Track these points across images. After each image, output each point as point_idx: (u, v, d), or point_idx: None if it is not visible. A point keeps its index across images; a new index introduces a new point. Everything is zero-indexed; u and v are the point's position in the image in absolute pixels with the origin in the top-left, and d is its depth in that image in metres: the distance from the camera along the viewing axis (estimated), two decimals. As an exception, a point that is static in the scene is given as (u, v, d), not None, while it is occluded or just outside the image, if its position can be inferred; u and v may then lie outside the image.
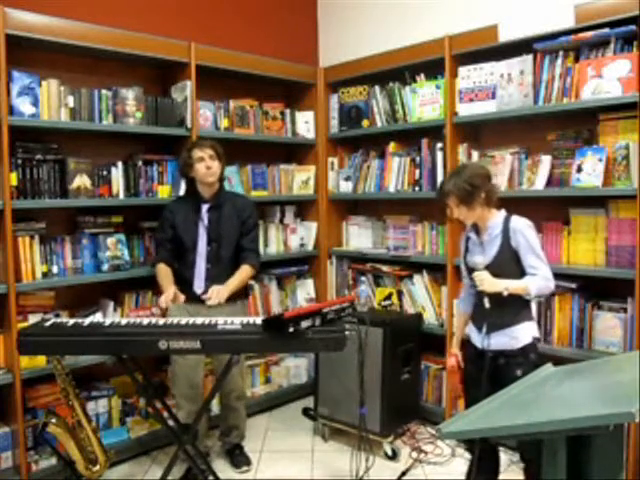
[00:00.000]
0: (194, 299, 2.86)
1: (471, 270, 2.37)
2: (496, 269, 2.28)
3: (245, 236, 2.97)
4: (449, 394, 3.37)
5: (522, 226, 2.31)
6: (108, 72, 3.23)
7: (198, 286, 2.88)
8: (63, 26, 2.84)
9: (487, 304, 2.28)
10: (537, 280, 2.26)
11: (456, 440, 3.11)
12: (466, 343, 2.53)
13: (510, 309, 2.30)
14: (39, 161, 2.82)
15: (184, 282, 2.88)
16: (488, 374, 2.29)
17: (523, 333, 2.31)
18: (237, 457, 3.07)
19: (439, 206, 3.31)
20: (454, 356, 2.61)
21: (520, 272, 2.30)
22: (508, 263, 2.30)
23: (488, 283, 2.26)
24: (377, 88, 3.72)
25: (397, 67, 3.56)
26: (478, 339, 2.39)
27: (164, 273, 2.90)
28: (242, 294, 3.01)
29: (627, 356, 2.28)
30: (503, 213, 2.37)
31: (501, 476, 2.48)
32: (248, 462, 3.06)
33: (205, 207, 2.92)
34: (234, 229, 2.93)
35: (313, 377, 3.55)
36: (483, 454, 2.40)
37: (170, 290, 2.78)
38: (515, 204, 2.60)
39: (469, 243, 2.47)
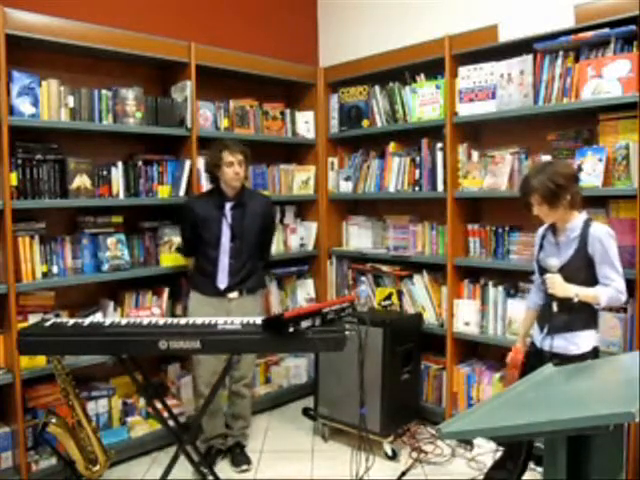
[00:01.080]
0: (217, 293, 2.96)
1: (543, 270, 2.34)
2: (568, 273, 2.25)
3: (266, 235, 3.16)
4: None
5: (602, 234, 2.25)
6: (108, 72, 3.23)
7: (221, 281, 2.97)
8: (63, 26, 2.84)
9: (555, 308, 2.26)
10: (609, 291, 2.22)
11: (457, 440, 3.11)
12: (530, 342, 2.52)
13: (575, 314, 2.26)
14: (39, 161, 2.82)
15: (207, 276, 2.98)
16: None
17: (584, 340, 2.27)
18: (237, 456, 3.07)
19: (439, 206, 3.36)
20: (518, 351, 2.56)
21: (592, 279, 2.26)
22: (581, 268, 2.26)
23: (560, 287, 2.24)
24: (377, 88, 3.72)
25: (397, 67, 3.56)
26: (539, 338, 2.38)
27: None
28: (261, 286, 3.22)
29: (627, 356, 2.27)
30: (584, 216, 2.31)
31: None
32: (248, 461, 3.06)
33: (229, 205, 2.99)
34: (256, 227, 3.05)
35: (313, 377, 3.54)
36: (514, 448, 2.39)
37: None
38: (515, 204, 2.59)
39: (544, 241, 2.43)
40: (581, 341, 2.27)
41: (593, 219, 2.32)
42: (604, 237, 2.25)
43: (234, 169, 2.91)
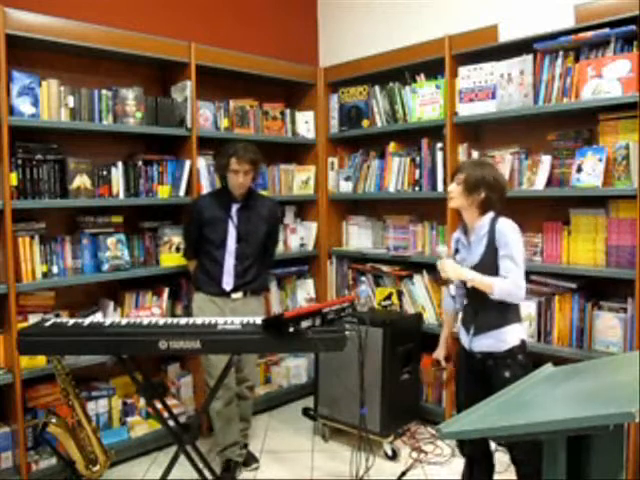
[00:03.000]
0: (221, 294, 2.96)
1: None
2: (482, 269, 2.28)
3: (270, 238, 3.14)
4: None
5: (505, 227, 2.28)
6: (108, 72, 3.23)
7: (227, 282, 2.96)
8: (63, 26, 2.84)
9: (452, 289, 2.38)
10: (505, 283, 2.22)
11: (457, 440, 3.11)
12: (458, 343, 2.53)
13: (497, 312, 2.28)
14: (39, 161, 2.82)
15: (211, 277, 2.97)
16: (477, 375, 2.32)
17: (510, 336, 2.29)
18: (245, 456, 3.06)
19: (439, 206, 3.36)
20: (429, 359, 2.67)
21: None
22: (494, 264, 2.28)
23: (452, 271, 2.30)
24: (377, 88, 3.72)
25: (397, 67, 3.56)
26: (466, 340, 2.40)
27: (193, 270, 3.11)
28: (264, 288, 3.24)
29: (627, 356, 2.27)
30: (491, 214, 2.34)
31: (501, 476, 2.48)
32: (256, 459, 3.08)
33: (235, 206, 2.97)
34: (262, 230, 3.04)
35: (313, 377, 3.54)
36: (478, 456, 2.41)
37: None
38: (515, 204, 2.60)
39: (458, 244, 2.48)
40: (508, 337, 2.28)
41: (500, 217, 2.34)
42: (507, 230, 2.26)
43: (238, 178, 2.88)
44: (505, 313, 2.30)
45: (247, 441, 3.19)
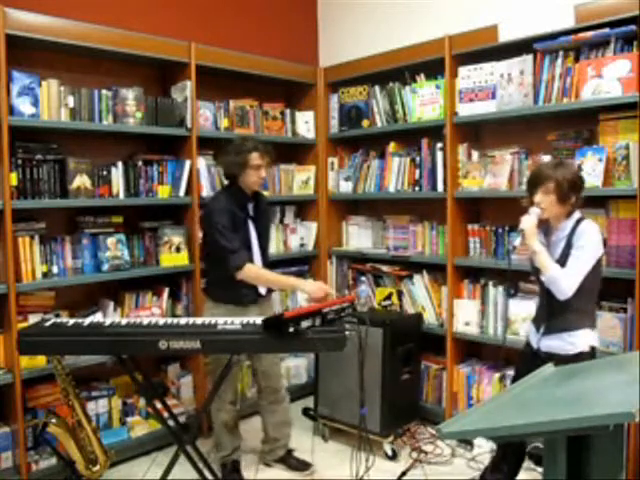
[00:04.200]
0: (253, 300, 2.81)
1: (538, 271, 2.31)
2: None
3: (269, 234, 3.08)
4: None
5: (587, 230, 2.22)
6: (108, 72, 3.23)
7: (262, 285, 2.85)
8: (63, 26, 2.84)
9: (517, 241, 2.30)
10: (560, 272, 2.18)
11: (457, 440, 3.11)
12: (525, 343, 2.50)
13: (571, 314, 2.24)
14: (39, 161, 2.82)
15: (246, 284, 2.73)
16: None
17: (580, 340, 2.25)
18: (298, 462, 3.03)
19: (439, 206, 3.36)
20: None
21: (584, 278, 2.20)
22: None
23: (528, 226, 2.23)
24: (377, 88, 3.72)
25: (397, 67, 3.56)
26: (534, 339, 2.37)
27: (267, 271, 2.81)
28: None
29: (627, 356, 2.27)
30: (577, 216, 2.29)
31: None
32: (310, 464, 3.03)
33: (251, 205, 2.86)
34: (269, 226, 3.03)
35: (313, 377, 3.54)
36: (509, 450, 2.39)
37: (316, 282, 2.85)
38: (515, 204, 2.59)
39: None
40: (578, 340, 2.25)
41: (586, 218, 2.30)
42: (587, 232, 2.22)
43: (260, 173, 2.75)
44: (579, 317, 2.25)
45: (292, 446, 3.13)
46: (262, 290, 2.85)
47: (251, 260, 2.77)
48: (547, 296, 2.29)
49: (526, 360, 2.40)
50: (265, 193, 3.60)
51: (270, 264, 3.40)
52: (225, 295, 2.80)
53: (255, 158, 2.73)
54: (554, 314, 2.28)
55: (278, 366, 3.07)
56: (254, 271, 2.72)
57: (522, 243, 2.33)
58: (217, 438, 2.96)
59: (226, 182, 2.91)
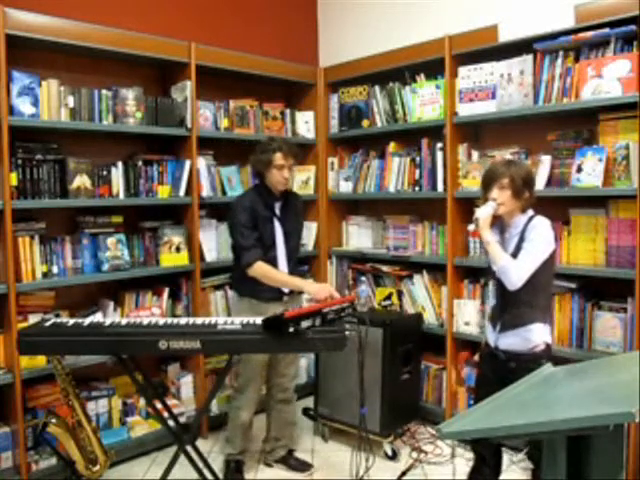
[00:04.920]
0: (275, 298, 2.81)
1: (495, 271, 2.34)
2: None
3: (301, 235, 3.08)
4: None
5: (538, 224, 2.26)
6: (108, 72, 3.23)
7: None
8: (63, 26, 2.84)
9: (471, 227, 2.35)
10: (511, 263, 2.21)
11: (457, 440, 3.11)
12: (484, 343, 2.52)
13: (524, 309, 2.27)
14: (39, 161, 2.82)
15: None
16: (499, 378, 2.26)
17: (534, 334, 2.27)
18: (299, 462, 3.04)
19: (439, 206, 3.36)
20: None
21: (536, 271, 2.22)
22: None
23: (482, 216, 2.29)
24: (377, 88, 3.72)
25: (397, 67, 3.56)
26: (492, 337, 2.39)
27: (275, 270, 2.79)
28: None
29: (627, 356, 2.27)
30: (530, 212, 2.33)
31: (501, 476, 2.48)
32: (311, 464, 3.04)
33: (278, 205, 2.87)
34: (299, 227, 3.02)
35: (313, 377, 3.54)
36: (486, 453, 2.41)
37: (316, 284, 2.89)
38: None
39: None
40: (532, 335, 2.27)
41: (538, 215, 2.32)
42: (538, 227, 2.26)
43: (283, 173, 2.77)
44: (532, 311, 2.28)
45: (294, 446, 3.15)
46: (284, 288, 2.84)
47: (273, 259, 2.81)
48: (502, 293, 2.32)
49: (487, 360, 2.43)
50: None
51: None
52: (246, 289, 2.85)
53: (279, 158, 2.76)
54: (508, 310, 2.31)
55: (295, 366, 3.09)
56: (263, 269, 2.74)
57: (475, 230, 2.38)
58: (229, 434, 2.98)
59: (256, 181, 2.97)
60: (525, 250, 2.24)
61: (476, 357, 2.61)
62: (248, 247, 2.74)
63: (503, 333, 2.32)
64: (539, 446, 2.19)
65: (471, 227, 2.38)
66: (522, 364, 2.21)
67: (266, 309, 2.70)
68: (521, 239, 2.28)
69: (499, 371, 2.30)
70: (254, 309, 2.77)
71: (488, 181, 2.35)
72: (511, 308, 2.29)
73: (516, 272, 2.20)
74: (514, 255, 2.26)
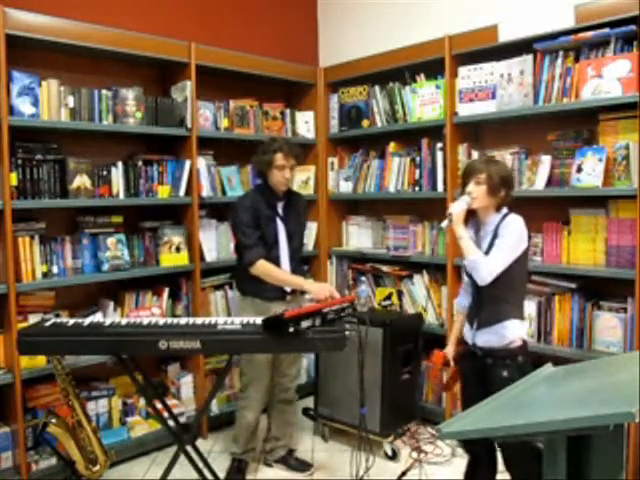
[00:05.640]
0: (278, 297, 2.82)
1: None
2: None
3: (304, 234, 3.08)
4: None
5: (510, 222, 2.29)
6: (108, 72, 3.23)
7: None
8: (63, 26, 2.84)
9: (445, 223, 2.37)
10: (481, 258, 2.24)
11: (457, 440, 3.11)
12: (462, 341, 2.53)
13: (499, 305, 2.30)
14: (39, 161, 2.82)
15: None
16: (478, 375, 2.33)
17: (509, 331, 2.29)
18: (299, 462, 3.05)
19: (439, 206, 3.35)
20: (439, 356, 2.62)
21: (507, 271, 2.25)
22: None
23: (456, 211, 2.31)
24: (377, 88, 3.72)
25: (397, 67, 3.56)
26: (470, 335, 2.41)
27: (277, 269, 2.80)
28: None
29: (627, 356, 2.27)
30: (504, 211, 2.35)
31: (499, 476, 2.48)
32: (311, 464, 3.05)
33: (280, 204, 2.89)
34: (302, 227, 3.02)
35: (313, 377, 3.54)
36: (480, 453, 2.42)
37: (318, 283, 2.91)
38: (515, 204, 2.59)
39: None
40: (507, 332, 2.28)
41: (512, 213, 2.33)
42: (510, 225, 2.27)
43: (284, 173, 2.79)
44: (507, 308, 2.30)
45: (294, 446, 3.15)
46: (287, 288, 2.85)
47: (276, 258, 2.83)
48: (477, 290, 2.34)
49: (465, 357, 2.45)
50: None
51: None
52: (249, 288, 2.86)
53: (279, 158, 2.78)
54: (484, 308, 2.32)
55: (297, 367, 3.09)
56: (265, 268, 2.76)
57: (447, 227, 2.41)
58: (235, 432, 2.99)
59: (258, 181, 2.98)
60: (496, 246, 2.26)
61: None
62: (250, 246, 2.76)
63: (480, 330, 2.34)
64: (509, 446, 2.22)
65: (444, 223, 2.39)
66: (498, 360, 2.26)
67: (269, 308, 2.71)
68: (494, 236, 2.30)
69: (477, 368, 2.34)
70: (257, 308, 2.78)
71: (466, 176, 2.38)
72: (487, 305, 2.32)
73: (486, 267, 2.23)
74: (488, 251, 2.28)
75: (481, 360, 2.32)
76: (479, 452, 2.42)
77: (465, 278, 2.52)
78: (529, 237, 2.34)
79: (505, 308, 2.30)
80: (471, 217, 2.43)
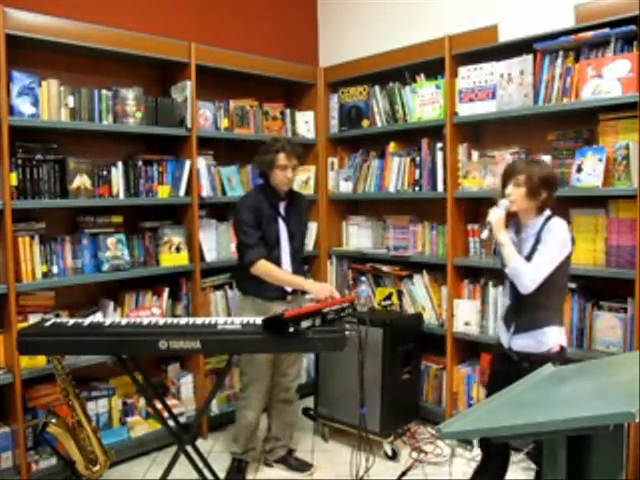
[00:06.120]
0: (279, 297, 2.83)
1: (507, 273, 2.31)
2: None
3: (305, 235, 3.08)
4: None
5: (554, 227, 2.22)
6: (108, 72, 3.23)
7: None
8: (63, 26, 2.84)
9: (485, 233, 2.31)
10: (523, 266, 2.19)
11: (457, 440, 3.11)
12: (497, 344, 2.50)
13: (539, 311, 2.25)
14: (39, 161, 2.82)
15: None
16: (510, 377, 2.20)
17: (549, 337, 2.25)
18: (299, 463, 3.05)
19: (439, 206, 3.36)
20: (488, 357, 2.55)
21: (551, 274, 2.19)
22: None
23: (495, 220, 2.24)
24: (377, 88, 3.72)
25: (397, 67, 3.56)
26: (505, 338, 2.37)
27: (278, 269, 2.80)
28: None
29: (627, 356, 2.27)
30: (547, 213, 2.28)
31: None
32: (311, 464, 3.04)
33: (282, 204, 2.89)
34: (303, 227, 3.02)
35: (313, 377, 3.54)
36: (496, 452, 2.40)
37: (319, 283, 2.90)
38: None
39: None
40: (546, 338, 2.25)
41: (555, 216, 2.28)
42: (554, 229, 2.22)
43: (286, 173, 2.79)
44: (548, 314, 2.26)
45: (294, 446, 3.15)
46: (288, 287, 2.84)
47: (277, 258, 2.83)
48: (516, 294, 2.30)
49: (499, 360, 2.42)
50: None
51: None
52: (250, 288, 2.86)
53: (281, 158, 2.78)
54: (523, 312, 2.28)
55: (297, 367, 3.09)
56: (266, 268, 2.76)
57: (489, 237, 2.36)
58: (235, 432, 2.99)
59: (260, 181, 2.98)
60: (540, 253, 2.20)
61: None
62: (251, 245, 2.77)
63: (517, 335, 2.30)
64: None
65: (485, 234, 2.33)
66: (536, 365, 2.13)
67: (270, 308, 2.72)
68: (537, 241, 2.24)
69: (510, 372, 2.24)
70: (257, 308, 2.79)
71: (506, 177, 2.31)
72: (526, 310, 2.27)
73: (529, 275, 2.17)
74: (529, 256, 2.23)
75: (516, 364, 2.26)
76: (494, 450, 2.39)
77: (506, 282, 2.45)
78: (572, 241, 2.27)
79: (545, 314, 2.26)
80: (512, 218, 2.35)
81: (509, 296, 2.39)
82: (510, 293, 2.37)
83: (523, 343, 2.29)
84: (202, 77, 3.36)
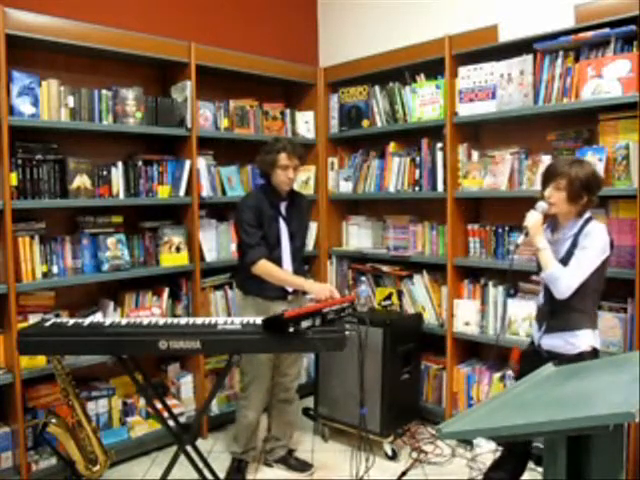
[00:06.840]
0: (279, 297, 2.83)
1: (540, 268, 2.28)
2: None
3: (305, 235, 3.07)
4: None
5: (592, 231, 2.18)
6: (108, 72, 3.23)
7: None
8: (63, 26, 2.84)
9: (521, 238, 2.28)
10: (560, 271, 2.15)
11: (457, 440, 3.11)
12: (529, 342, 2.49)
13: (572, 313, 2.23)
14: (39, 161, 2.82)
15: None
16: None
17: (580, 340, 2.22)
18: (299, 463, 3.05)
19: (439, 206, 3.36)
20: (518, 350, 2.51)
21: (587, 280, 2.16)
22: None
23: (533, 223, 2.20)
24: (377, 88, 3.72)
25: (397, 67, 3.56)
26: (537, 336, 2.36)
27: (278, 269, 2.80)
28: None
29: (627, 356, 2.27)
30: (586, 216, 2.24)
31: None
32: (311, 464, 3.04)
33: (283, 204, 2.89)
34: (304, 227, 3.02)
35: (313, 377, 3.54)
36: (517, 448, 2.38)
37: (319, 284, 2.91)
38: (515, 204, 2.60)
39: None
40: (578, 340, 2.23)
41: (595, 219, 2.26)
42: (592, 234, 2.18)
43: (288, 173, 2.79)
44: (581, 317, 2.23)
45: (294, 446, 3.16)
46: (288, 287, 2.84)
47: (278, 258, 2.83)
48: (550, 296, 2.27)
49: (529, 358, 2.39)
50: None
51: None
52: (251, 288, 2.85)
53: (283, 158, 2.78)
54: (556, 313, 2.26)
55: (298, 367, 3.09)
56: (267, 267, 2.76)
57: (524, 242, 2.31)
58: (236, 432, 2.98)
59: (261, 181, 2.98)
60: (576, 258, 2.16)
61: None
62: (252, 245, 2.77)
63: (547, 334, 2.29)
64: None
65: (521, 239, 2.29)
66: (565, 363, 2.09)
67: (270, 308, 2.73)
68: (574, 244, 2.20)
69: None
70: (259, 307, 2.79)
71: (546, 178, 2.26)
72: (559, 313, 2.24)
73: (565, 282, 2.15)
74: (565, 259, 2.20)
75: (545, 362, 2.19)
76: (515, 446, 2.38)
77: (542, 284, 2.41)
78: (612, 245, 2.23)
79: (577, 317, 2.23)
80: (549, 216, 2.32)
81: (543, 297, 2.36)
82: (544, 294, 2.34)
83: (552, 343, 2.27)
84: (202, 77, 3.36)
